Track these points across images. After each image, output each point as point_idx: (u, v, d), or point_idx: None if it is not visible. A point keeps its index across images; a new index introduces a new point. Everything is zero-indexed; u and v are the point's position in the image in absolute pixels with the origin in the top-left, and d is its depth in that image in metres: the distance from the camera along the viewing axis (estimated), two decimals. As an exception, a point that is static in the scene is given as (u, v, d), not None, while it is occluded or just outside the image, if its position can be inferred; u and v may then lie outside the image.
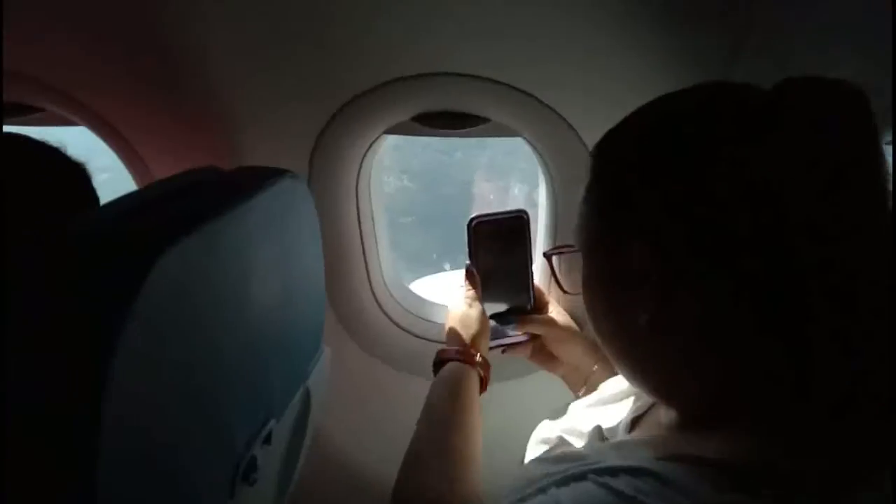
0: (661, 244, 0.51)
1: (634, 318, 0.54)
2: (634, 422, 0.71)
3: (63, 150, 0.83)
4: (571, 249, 0.69)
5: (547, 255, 0.79)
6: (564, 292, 0.73)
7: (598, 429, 0.75)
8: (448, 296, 1.13)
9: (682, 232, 0.50)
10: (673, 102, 0.57)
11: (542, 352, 1.14)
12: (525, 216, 1.11)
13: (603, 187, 0.61)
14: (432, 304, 1.53)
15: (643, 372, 0.59)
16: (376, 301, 1.41)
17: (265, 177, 0.75)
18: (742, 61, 0.96)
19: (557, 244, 1.27)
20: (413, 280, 2.65)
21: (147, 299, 0.46)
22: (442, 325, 1.39)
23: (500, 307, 1.15)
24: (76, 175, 0.82)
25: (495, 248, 1.11)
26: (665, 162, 0.52)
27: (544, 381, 1.27)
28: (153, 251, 0.48)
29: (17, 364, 0.43)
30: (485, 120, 1.18)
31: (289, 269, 0.81)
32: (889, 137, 0.98)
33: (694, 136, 0.51)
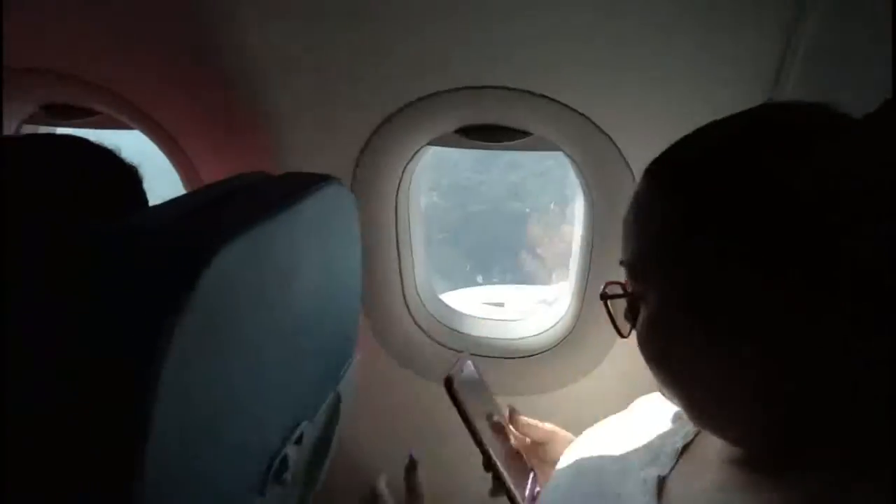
0: (768, 267, 0.46)
1: (714, 350, 0.51)
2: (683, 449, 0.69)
3: (117, 152, 0.84)
4: (621, 292, 0.61)
5: (604, 298, 0.68)
6: (624, 336, 0.64)
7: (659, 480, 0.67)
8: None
9: (796, 258, 0.45)
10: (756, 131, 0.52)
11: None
12: (451, 378, 0.85)
13: (678, 211, 0.53)
14: (464, 315, 1.54)
15: (712, 408, 0.55)
16: (409, 311, 1.42)
17: (312, 183, 0.76)
18: (795, 69, 0.94)
19: (592, 262, 1.27)
20: (445, 292, 2.66)
21: (198, 301, 0.47)
22: (476, 338, 1.39)
23: None
24: (130, 177, 0.84)
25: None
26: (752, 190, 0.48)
27: (565, 397, 1.29)
28: (206, 253, 0.49)
29: (69, 366, 0.43)
30: (525, 133, 1.18)
31: (329, 276, 0.82)
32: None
33: (789, 168, 0.47)
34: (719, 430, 0.56)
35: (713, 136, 0.54)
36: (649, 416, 0.79)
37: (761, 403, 0.50)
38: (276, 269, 0.64)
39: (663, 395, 0.60)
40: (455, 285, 2.95)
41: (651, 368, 0.57)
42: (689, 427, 0.70)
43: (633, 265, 0.57)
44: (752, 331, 0.48)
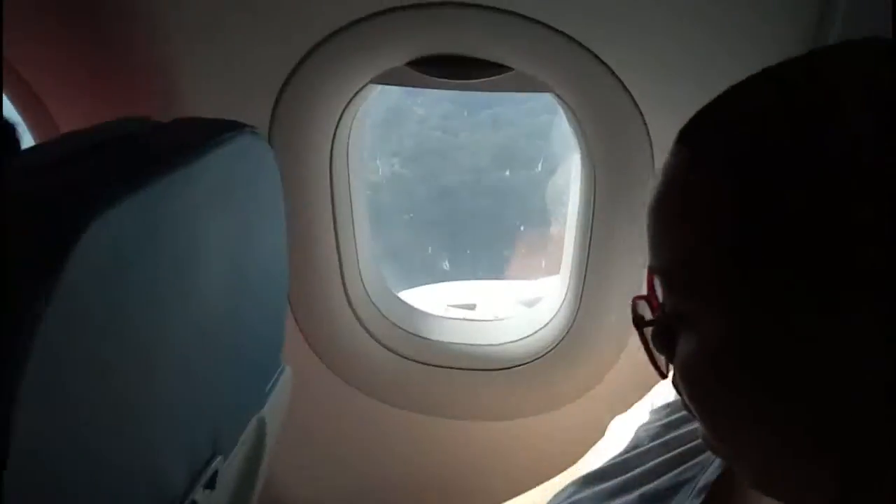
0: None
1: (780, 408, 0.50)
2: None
3: None
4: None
5: (639, 325, 0.64)
6: (664, 376, 0.63)
7: None
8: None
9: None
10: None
11: None
12: None
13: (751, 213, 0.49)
14: (426, 314, 1.54)
15: (765, 466, 0.55)
16: (352, 310, 1.42)
17: (214, 131, 0.75)
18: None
19: (592, 246, 1.29)
20: (405, 290, 2.66)
21: (69, 285, 0.46)
22: (442, 344, 1.40)
23: None
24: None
25: None
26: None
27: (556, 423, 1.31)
28: (70, 229, 0.48)
29: None
30: (503, 69, 1.18)
31: (242, 260, 0.81)
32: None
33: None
34: (768, 487, 0.57)
35: (774, 104, 0.51)
36: (639, 446, 0.80)
37: (828, 472, 0.51)
38: (171, 245, 0.63)
39: (703, 436, 0.60)
40: (421, 280, 2.94)
41: (691, 406, 0.55)
42: (704, 457, 0.71)
43: (671, 273, 0.54)
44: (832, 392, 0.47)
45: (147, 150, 0.66)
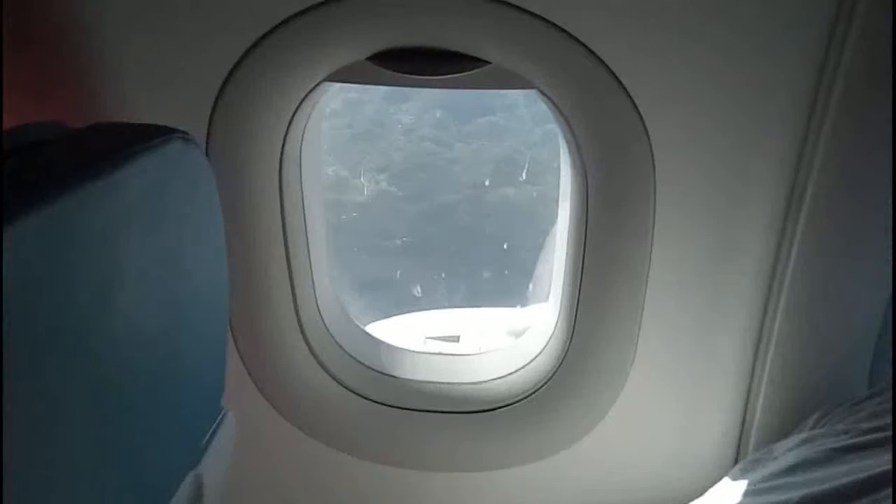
0: None
1: None
2: None
3: None
4: None
5: None
6: None
7: None
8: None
9: None
10: None
11: None
12: None
13: None
14: (396, 349, 1.54)
15: None
16: (307, 345, 1.41)
17: (138, 137, 0.75)
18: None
19: (585, 267, 1.30)
20: (379, 320, 2.66)
21: None
22: (415, 384, 1.39)
23: None
24: None
25: None
26: None
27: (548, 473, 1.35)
28: None
29: None
30: (479, 63, 1.19)
31: (176, 279, 0.81)
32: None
33: None
34: None
35: None
36: None
37: None
38: (85, 273, 0.62)
39: None
40: (410, 311, 2.95)
41: None
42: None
43: None
44: None
45: (58, 160, 0.66)
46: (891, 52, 1.05)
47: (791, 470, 1.01)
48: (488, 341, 2.39)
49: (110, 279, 0.66)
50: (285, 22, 1.11)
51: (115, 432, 0.71)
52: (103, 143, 0.72)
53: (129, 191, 0.69)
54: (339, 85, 1.29)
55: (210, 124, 1.19)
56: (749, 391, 1.35)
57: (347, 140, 7.15)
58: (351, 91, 7.60)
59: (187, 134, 0.81)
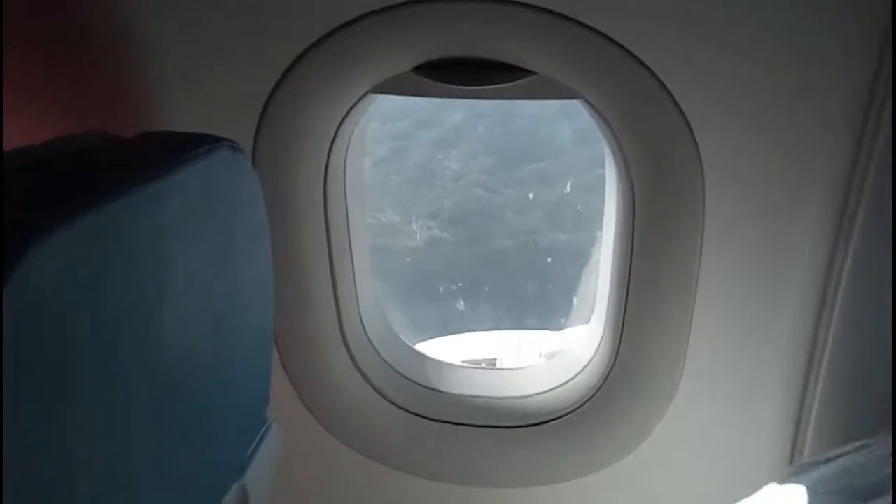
0: None
1: None
2: None
3: None
4: None
5: None
6: None
7: None
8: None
9: None
10: None
11: None
12: None
13: None
14: (439, 363, 1.55)
15: None
16: (350, 357, 1.42)
17: (186, 146, 0.76)
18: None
19: (632, 276, 1.29)
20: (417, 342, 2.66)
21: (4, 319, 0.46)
22: (459, 398, 1.38)
23: None
24: None
25: None
26: None
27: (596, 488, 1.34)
28: (15, 246, 0.48)
29: None
30: (524, 73, 1.20)
31: (221, 290, 0.81)
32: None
33: None
34: None
35: None
36: None
37: None
38: (130, 282, 0.63)
39: None
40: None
41: None
42: None
43: None
44: None
45: (104, 166, 0.67)
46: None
47: (844, 473, 1.00)
48: (524, 362, 2.38)
49: (156, 289, 0.67)
50: (333, 31, 1.12)
51: (161, 445, 0.71)
52: (150, 152, 0.75)
53: (176, 200, 0.69)
54: (385, 96, 1.30)
55: (257, 133, 1.21)
56: (801, 407, 1.33)
57: (397, 187, 7.17)
58: (399, 139, 7.64)
59: (235, 143, 0.82)
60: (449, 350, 2.58)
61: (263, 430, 1.00)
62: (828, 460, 1.01)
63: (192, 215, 0.74)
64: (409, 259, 6.70)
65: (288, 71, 1.16)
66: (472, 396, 1.47)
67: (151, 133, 0.83)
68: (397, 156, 7.33)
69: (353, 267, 1.40)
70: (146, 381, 0.67)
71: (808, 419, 1.32)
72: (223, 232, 0.82)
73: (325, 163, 1.29)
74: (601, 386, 1.39)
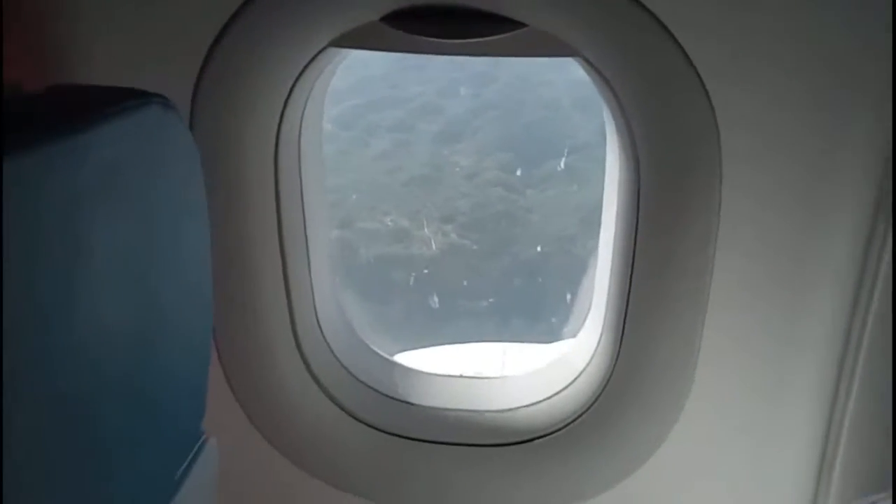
0: None
1: None
2: None
3: None
4: None
5: None
6: None
7: None
8: None
9: None
10: None
11: None
12: None
13: None
14: (414, 373, 1.53)
15: None
16: (304, 362, 1.40)
17: (110, 99, 0.73)
18: None
19: (636, 269, 1.28)
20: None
21: None
22: (435, 411, 1.35)
23: None
24: None
25: None
26: None
27: None
28: None
29: None
30: (514, 25, 1.17)
31: (150, 267, 0.78)
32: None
33: None
34: None
35: None
36: None
37: None
38: (45, 251, 0.60)
39: None
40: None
41: None
42: None
43: None
44: None
45: (8, 122, 0.63)
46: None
47: None
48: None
49: (73, 262, 0.64)
50: None
51: (75, 453, 0.68)
52: (62, 105, 0.71)
53: (92, 161, 0.66)
54: (347, 52, 1.28)
55: (195, 92, 1.18)
56: (828, 429, 1.32)
57: (402, 185, 7.29)
58: (398, 131, 7.80)
59: (167, 99, 0.80)
60: (426, 361, 2.66)
61: (199, 444, 0.97)
62: None
63: (114, 177, 0.71)
64: (425, 270, 6.79)
65: (232, 19, 1.14)
66: (446, 409, 1.46)
67: (65, 85, 0.81)
68: (399, 150, 7.52)
69: (308, 257, 1.38)
70: (60, 370, 0.64)
71: (837, 446, 1.31)
72: (152, 200, 0.79)
73: (276, 130, 1.27)
74: (597, 398, 1.38)
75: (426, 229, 7.31)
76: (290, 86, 1.25)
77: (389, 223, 6.67)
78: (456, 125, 7.95)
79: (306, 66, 1.24)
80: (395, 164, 7.33)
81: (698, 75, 1.11)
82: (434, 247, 7.26)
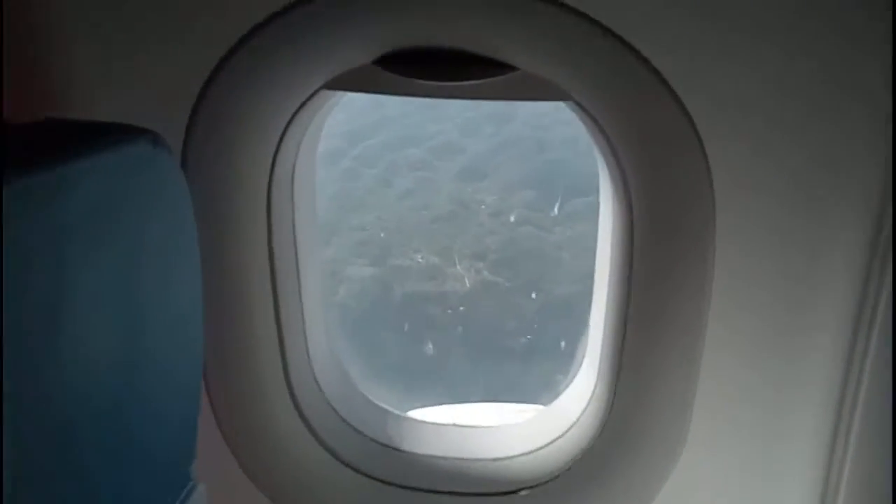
0: None
1: None
2: None
3: None
4: None
5: None
6: None
7: None
8: None
9: None
10: None
11: None
12: None
13: None
14: (406, 421, 1.54)
15: None
16: (296, 409, 1.40)
17: (99, 134, 0.75)
18: None
19: (631, 312, 1.28)
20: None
21: None
22: (427, 459, 1.35)
23: None
24: None
25: None
26: None
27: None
28: None
29: None
30: (506, 68, 1.19)
31: (136, 308, 0.79)
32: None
33: None
34: None
35: None
36: None
37: None
38: (27, 286, 0.61)
39: None
40: None
41: None
42: None
43: None
44: None
45: None
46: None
47: None
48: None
49: (49, 307, 0.65)
50: (277, 15, 1.11)
51: (62, 492, 0.69)
52: (51, 139, 0.72)
53: (82, 191, 0.67)
54: (342, 94, 1.29)
55: (187, 134, 1.19)
56: (828, 474, 1.32)
57: (429, 223, 7.26)
58: (418, 169, 7.79)
59: (157, 135, 0.81)
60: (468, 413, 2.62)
61: (187, 490, 0.97)
62: None
63: (100, 213, 0.71)
64: (462, 308, 6.72)
65: (224, 60, 1.15)
66: (438, 457, 1.45)
67: (55, 119, 0.81)
68: (421, 187, 7.47)
69: (301, 300, 1.38)
70: (39, 409, 0.64)
71: (838, 490, 1.31)
72: (140, 237, 0.80)
73: (269, 171, 1.27)
74: (592, 447, 1.38)
75: (458, 266, 7.27)
76: (283, 127, 1.25)
77: (420, 260, 6.63)
78: (476, 162, 7.96)
79: (299, 108, 1.25)
80: (419, 201, 7.28)
81: (689, 118, 1.12)
82: (467, 283, 7.21)
